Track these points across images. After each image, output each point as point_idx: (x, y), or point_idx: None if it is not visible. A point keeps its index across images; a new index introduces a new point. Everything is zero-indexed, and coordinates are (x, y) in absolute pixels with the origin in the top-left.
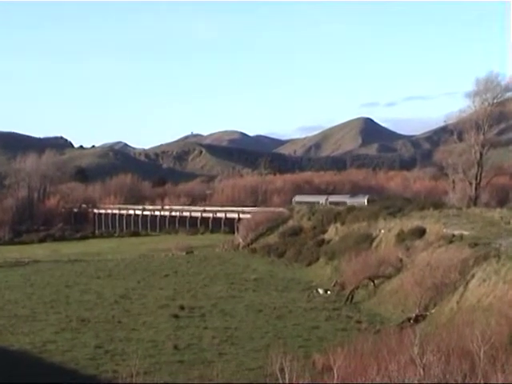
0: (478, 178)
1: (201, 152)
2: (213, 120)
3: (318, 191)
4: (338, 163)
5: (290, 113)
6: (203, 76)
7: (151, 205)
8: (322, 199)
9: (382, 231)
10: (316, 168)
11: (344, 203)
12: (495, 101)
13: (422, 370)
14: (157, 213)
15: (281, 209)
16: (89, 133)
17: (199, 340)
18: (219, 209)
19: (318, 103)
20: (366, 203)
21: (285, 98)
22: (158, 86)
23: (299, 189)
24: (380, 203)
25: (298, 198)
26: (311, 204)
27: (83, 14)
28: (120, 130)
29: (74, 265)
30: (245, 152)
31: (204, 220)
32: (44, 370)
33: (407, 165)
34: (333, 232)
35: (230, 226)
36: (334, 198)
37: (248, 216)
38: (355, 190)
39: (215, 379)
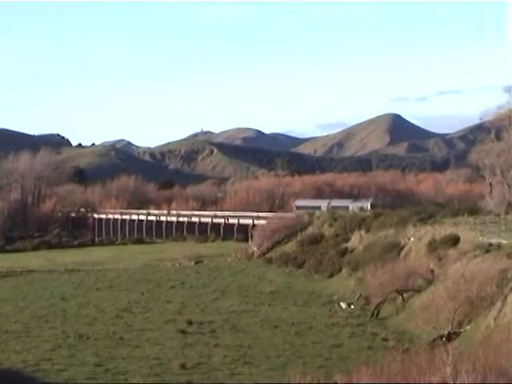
0: None
1: (211, 151)
2: (225, 116)
3: (341, 195)
4: (362, 164)
5: (310, 109)
6: (215, 68)
7: (157, 209)
8: (323, 204)
9: (412, 239)
10: (338, 169)
11: (346, 208)
12: None
13: None
14: (163, 218)
15: (299, 214)
16: (88, 130)
17: (209, 358)
18: (231, 214)
19: (341, 98)
20: (369, 208)
21: (304, 92)
22: (165, 79)
23: (320, 192)
24: (409, 209)
25: (298, 203)
26: (312, 209)
27: (83, 3)
28: (122, 127)
29: (72, 275)
30: (260, 151)
31: (215, 226)
32: None
33: (439, 166)
34: (357, 240)
35: (244, 233)
36: (336, 203)
37: (263, 222)
38: (381, 194)
39: None
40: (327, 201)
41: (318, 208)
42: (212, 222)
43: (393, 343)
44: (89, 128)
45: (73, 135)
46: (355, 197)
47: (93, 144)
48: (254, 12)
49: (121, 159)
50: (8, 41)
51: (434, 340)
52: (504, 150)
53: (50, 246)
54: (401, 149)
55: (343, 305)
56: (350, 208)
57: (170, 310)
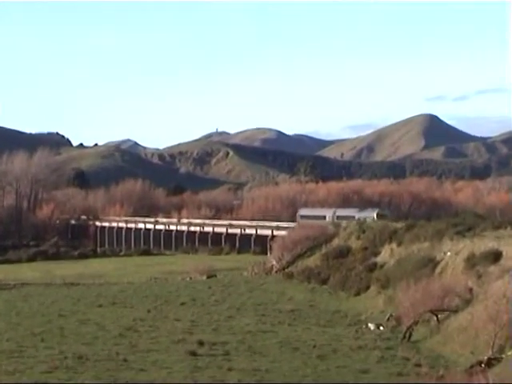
0: None
1: (227, 153)
2: (243, 115)
3: (370, 204)
4: (394, 170)
5: (337, 108)
6: (231, 63)
7: (165, 217)
8: (329, 213)
9: (448, 254)
10: (367, 175)
11: (352, 218)
12: None
13: None
14: (172, 227)
15: (324, 224)
16: (90, 128)
17: None
18: (248, 224)
19: (372, 97)
20: (375, 219)
21: (331, 90)
22: (176, 74)
23: (347, 200)
24: (446, 220)
25: (302, 212)
26: (317, 219)
27: None
28: (128, 126)
29: (71, 289)
30: (281, 154)
31: (230, 237)
32: None
33: (480, 173)
34: (387, 254)
35: (262, 244)
36: (341, 212)
37: (284, 233)
38: (416, 203)
39: None
40: (333, 210)
41: (323, 218)
42: (227, 233)
43: (426, 369)
44: (91, 126)
45: (73, 134)
46: (362, 207)
47: (95, 144)
48: (278, 4)
49: (126, 161)
50: (4, 32)
51: (471, 366)
52: None
53: (46, 257)
54: (437, 153)
55: (371, 326)
56: (356, 218)
57: (179, 329)
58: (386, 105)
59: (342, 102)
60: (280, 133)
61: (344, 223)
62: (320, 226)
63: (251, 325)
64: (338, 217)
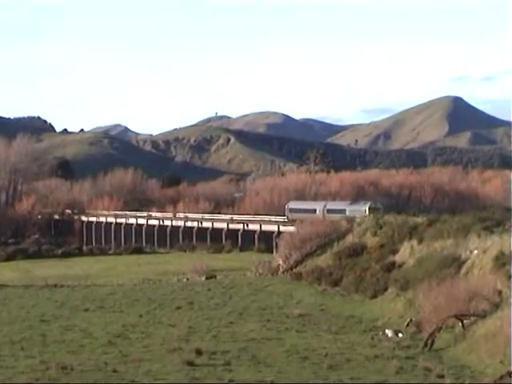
0: None
1: (228, 140)
2: (245, 97)
3: (388, 196)
4: (415, 158)
5: (351, 90)
6: (231, 40)
7: (160, 211)
8: (319, 206)
9: (475, 252)
10: (385, 165)
11: (343, 212)
12: None
13: None
14: (167, 222)
15: (336, 220)
16: (75, 112)
17: None
18: (252, 218)
19: (388, 77)
20: (366, 213)
21: (343, 70)
22: (171, 51)
23: (362, 192)
24: (472, 214)
25: (292, 205)
26: (307, 212)
27: None
28: (118, 110)
29: (54, 292)
30: (288, 141)
31: (231, 233)
32: None
33: (510, 162)
34: (407, 252)
35: (267, 241)
36: (332, 206)
37: (291, 229)
38: (439, 196)
39: None
40: (323, 203)
41: (314, 211)
42: (228, 228)
43: (450, 380)
44: (76, 110)
45: (57, 119)
46: (353, 199)
47: (81, 130)
48: None
49: (116, 149)
50: None
51: (501, 377)
52: None
53: (27, 256)
54: (462, 140)
55: (389, 332)
56: (347, 212)
57: (174, 337)
58: (405, 86)
59: (355, 82)
60: (287, 117)
61: (359, 218)
62: (332, 221)
63: (255, 331)
64: (328, 210)
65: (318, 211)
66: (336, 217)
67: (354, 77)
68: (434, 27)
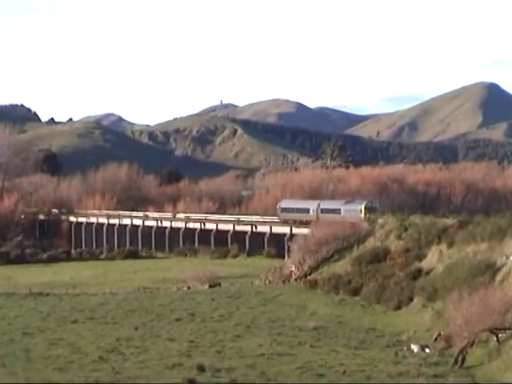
0: None
1: (234, 131)
2: (254, 84)
3: (414, 194)
4: (444, 152)
5: (373, 76)
6: (239, 20)
7: (158, 211)
8: (313, 206)
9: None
10: (411, 159)
11: (337, 211)
12: None
13: None
14: (166, 224)
15: (355, 220)
16: (63, 100)
17: None
18: (261, 219)
19: (415, 62)
20: (361, 213)
21: (365, 54)
22: (170, 33)
23: (385, 190)
24: (509, 215)
25: (284, 204)
26: (300, 212)
27: None
28: (111, 97)
29: (38, 301)
30: (302, 133)
31: (237, 236)
32: None
33: None
34: (435, 258)
35: (278, 245)
36: (326, 205)
37: (305, 231)
38: (472, 194)
39: None
40: (317, 202)
41: (307, 211)
42: (234, 230)
43: None
44: (64, 98)
45: (42, 107)
46: (349, 199)
47: (70, 119)
48: None
49: (108, 141)
50: None
51: None
52: None
53: (8, 261)
54: (498, 132)
55: (415, 347)
56: (342, 212)
57: (174, 352)
58: (434, 71)
59: (378, 67)
60: (301, 105)
61: (381, 220)
62: (350, 222)
63: (264, 346)
64: (322, 210)
65: (311, 211)
66: (330, 217)
67: (376, 61)
68: (465, 6)
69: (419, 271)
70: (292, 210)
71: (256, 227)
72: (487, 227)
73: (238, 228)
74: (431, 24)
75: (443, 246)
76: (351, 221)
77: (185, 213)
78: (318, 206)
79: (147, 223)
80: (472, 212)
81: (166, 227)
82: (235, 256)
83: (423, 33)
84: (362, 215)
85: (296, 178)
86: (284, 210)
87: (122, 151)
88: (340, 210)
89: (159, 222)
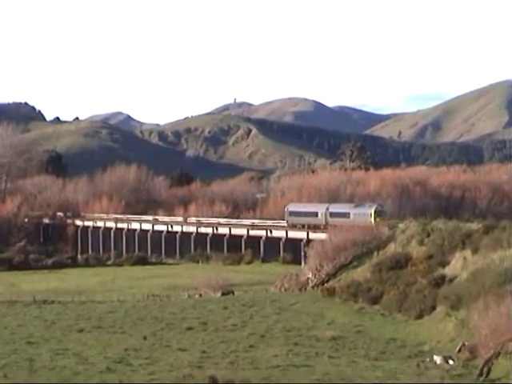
0: None
1: (249, 131)
2: (269, 82)
3: (437, 198)
4: (469, 153)
5: (394, 74)
6: (254, 14)
7: (168, 215)
8: (321, 209)
9: None
10: (434, 161)
11: (347, 215)
12: None
13: None
14: (176, 228)
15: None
16: (69, 98)
17: None
18: (276, 223)
19: (438, 59)
20: (371, 217)
21: (385, 51)
22: (182, 29)
23: (406, 193)
24: None
25: (292, 208)
26: (308, 216)
27: None
28: (120, 95)
29: (42, 309)
30: (320, 133)
31: (252, 241)
32: None
33: None
34: (459, 264)
35: (294, 251)
36: (335, 209)
37: (323, 236)
38: (497, 197)
39: None
40: (325, 206)
41: (315, 215)
42: (248, 235)
43: None
44: (70, 96)
45: (47, 105)
46: (358, 202)
47: (76, 118)
48: None
49: (116, 141)
50: None
51: None
52: None
53: (11, 267)
54: None
55: (438, 359)
56: (351, 216)
57: (184, 363)
58: (457, 69)
59: (400, 65)
60: (318, 104)
61: (402, 224)
62: (370, 227)
63: (280, 357)
64: (331, 214)
65: (319, 215)
66: (339, 221)
67: (398, 58)
68: (491, 2)
69: (442, 278)
70: (300, 214)
71: (271, 232)
72: None
73: (252, 233)
74: (455, 20)
75: (468, 252)
76: (360, 225)
77: (196, 217)
78: (327, 209)
79: (157, 228)
80: (498, 216)
81: (176, 232)
82: (249, 262)
83: (447, 29)
84: (372, 219)
85: (313, 181)
86: (292, 213)
87: (131, 152)
88: (349, 213)
89: (169, 226)
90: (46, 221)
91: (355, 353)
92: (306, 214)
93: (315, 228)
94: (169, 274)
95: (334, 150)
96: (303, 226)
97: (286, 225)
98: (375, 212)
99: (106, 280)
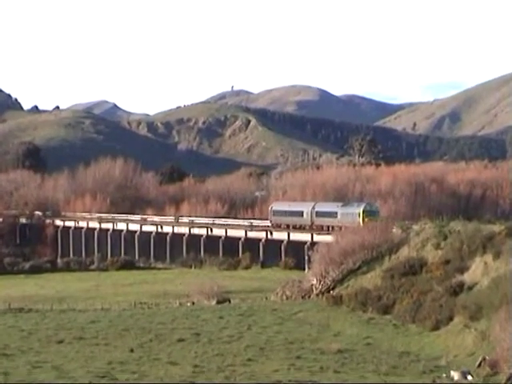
0: None
1: (247, 122)
2: (270, 68)
3: (455, 196)
4: (490, 148)
5: (408, 61)
6: None
7: (157, 215)
8: (307, 208)
9: None
10: (452, 156)
11: (334, 215)
12: None
13: None
14: (167, 229)
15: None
16: (49, 85)
17: None
18: None
19: (457, 45)
20: (359, 217)
21: (400, 35)
22: (174, 10)
23: (421, 191)
24: None
25: (276, 207)
26: (293, 215)
27: None
28: (105, 82)
29: (19, 318)
30: (326, 124)
31: (250, 244)
32: None
33: None
34: (479, 271)
35: (297, 255)
36: (321, 208)
37: (329, 239)
38: None
39: None
40: (311, 204)
41: (300, 214)
42: (246, 237)
43: None
44: (50, 83)
45: (24, 93)
46: (346, 201)
47: (56, 107)
48: None
49: (101, 132)
50: None
51: None
52: None
53: None
54: None
55: (455, 374)
56: (339, 215)
57: (175, 377)
58: (478, 56)
59: (414, 51)
60: (324, 93)
61: (417, 226)
62: (381, 229)
63: (280, 372)
64: (317, 213)
65: (305, 214)
66: (325, 221)
67: (413, 43)
68: None
69: (461, 286)
70: (285, 214)
71: (271, 234)
72: None
73: (251, 235)
74: (474, 3)
75: (489, 257)
76: (348, 225)
77: (189, 217)
78: (313, 208)
79: (145, 228)
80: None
81: (167, 233)
82: (247, 267)
83: (466, 12)
84: (360, 220)
85: (318, 178)
86: (276, 213)
87: (117, 144)
88: (336, 213)
89: (159, 227)
90: (23, 220)
91: (364, 367)
92: (291, 214)
93: (300, 229)
94: (158, 279)
95: (342, 144)
96: (288, 227)
97: (269, 225)
98: (364, 212)
99: (89, 286)
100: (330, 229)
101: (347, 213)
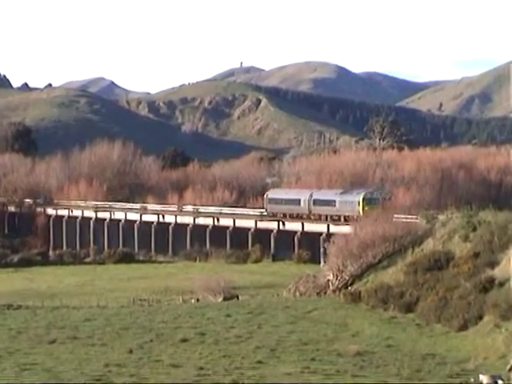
0: None
1: (258, 102)
2: (283, 42)
3: (485, 184)
4: None
5: (434, 36)
6: None
7: (159, 203)
8: (304, 196)
9: None
10: (482, 139)
11: (332, 203)
12: None
13: None
14: (169, 219)
15: (410, 217)
16: (40, 61)
17: None
18: None
19: (487, 20)
20: (359, 206)
21: (425, 8)
22: None
23: (448, 178)
24: None
25: (272, 195)
26: (290, 203)
27: None
28: (102, 57)
29: (7, 315)
30: (344, 104)
31: (261, 235)
32: None
33: None
34: (511, 265)
35: (312, 247)
36: (319, 195)
37: (346, 230)
38: None
39: None
40: (309, 192)
41: (297, 202)
42: (256, 228)
43: None
44: (42, 58)
45: (14, 71)
46: (346, 188)
47: (49, 85)
48: None
49: (97, 112)
50: None
51: None
52: None
53: None
54: None
55: (484, 378)
56: (337, 204)
57: (178, 380)
58: (510, 31)
59: (440, 25)
60: (342, 69)
61: (443, 216)
62: (403, 220)
63: (293, 375)
64: (314, 201)
65: (302, 202)
66: (324, 210)
67: (438, 17)
68: None
69: (491, 282)
70: (281, 202)
71: (284, 224)
72: None
73: (262, 225)
74: None
75: None
76: (347, 214)
77: (194, 205)
78: (311, 196)
79: (146, 218)
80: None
81: (169, 223)
82: (257, 260)
83: None
84: (360, 208)
85: (335, 162)
86: (272, 200)
87: (115, 126)
88: (335, 201)
89: (161, 216)
90: (12, 209)
91: (384, 371)
92: (288, 202)
93: (297, 217)
94: (160, 274)
95: (361, 126)
96: (284, 215)
97: (265, 213)
98: (364, 200)
99: (84, 281)
100: (328, 218)
101: (346, 201)
